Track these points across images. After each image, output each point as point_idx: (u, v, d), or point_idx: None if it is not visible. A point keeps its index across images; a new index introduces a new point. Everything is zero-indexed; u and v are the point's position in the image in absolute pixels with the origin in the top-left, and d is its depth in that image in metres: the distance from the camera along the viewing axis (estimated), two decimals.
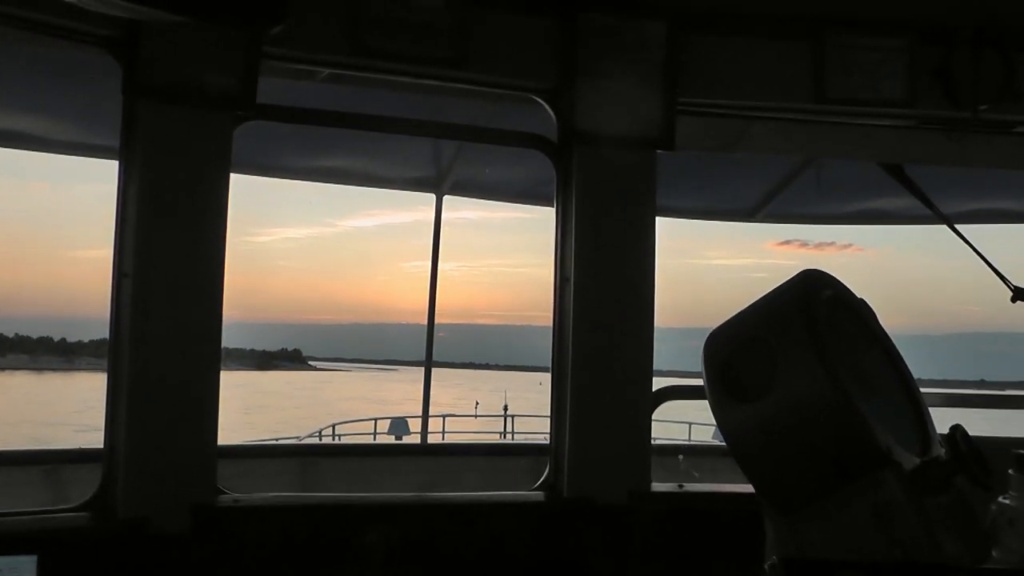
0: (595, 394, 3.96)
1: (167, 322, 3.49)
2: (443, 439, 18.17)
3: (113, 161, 3.62)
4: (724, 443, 2.78)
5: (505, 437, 21.38)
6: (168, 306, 3.49)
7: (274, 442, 13.15)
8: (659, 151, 4.04)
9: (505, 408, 26.03)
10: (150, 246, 3.48)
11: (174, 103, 3.50)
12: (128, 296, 3.46)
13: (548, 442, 4.06)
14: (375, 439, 18.96)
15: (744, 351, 2.75)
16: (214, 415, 3.55)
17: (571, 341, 3.96)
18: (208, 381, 3.54)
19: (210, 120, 3.55)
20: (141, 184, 3.48)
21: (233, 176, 3.60)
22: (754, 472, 2.68)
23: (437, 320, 7.19)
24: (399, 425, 19.73)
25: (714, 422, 2.86)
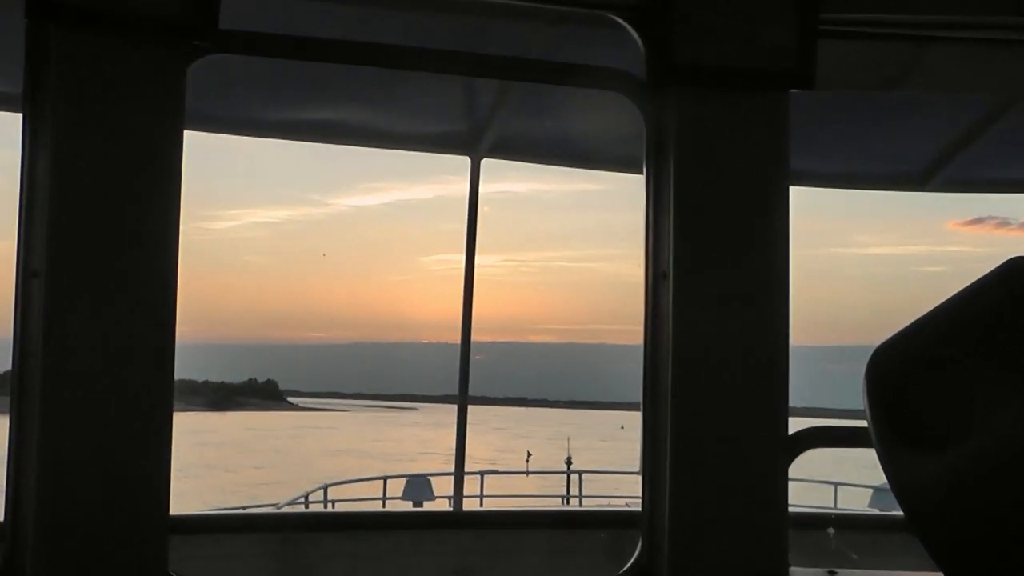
0: (706, 439, 3.96)
1: (96, 341, 3.52)
2: (481, 505, 18.20)
3: (13, 114, 3.66)
4: (890, 511, 2.74)
5: (569, 502, 21.41)
6: (97, 317, 3.52)
7: (246, 511, 13.25)
8: (793, 91, 4.03)
9: (568, 462, 26.04)
10: (70, 233, 3.51)
11: (101, 30, 3.52)
12: (39, 304, 3.49)
13: (639, 509, 4.07)
14: (384, 506, 19.04)
15: (926, 377, 2.70)
16: (164, 473, 3.57)
17: (671, 364, 3.95)
18: (156, 424, 3.56)
19: (154, 54, 3.57)
20: (56, 146, 3.51)
21: (186, 134, 3.63)
22: (942, 551, 2.62)
23: (473, 337, 7.19)
24: (418, 486, 19.78)
25: (873, 483, 2.83)
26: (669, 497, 3.94)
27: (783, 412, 4.00)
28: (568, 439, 36.44)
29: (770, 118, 4.02)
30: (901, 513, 2.77)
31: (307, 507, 17.22)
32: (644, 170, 4.09)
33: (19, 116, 3.61)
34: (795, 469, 4.32)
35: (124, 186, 3.56)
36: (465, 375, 7.06)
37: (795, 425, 4.17)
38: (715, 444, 3.96)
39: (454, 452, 7.40)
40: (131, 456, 3.54)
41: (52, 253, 3.49)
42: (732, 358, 3.98)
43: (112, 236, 3.55)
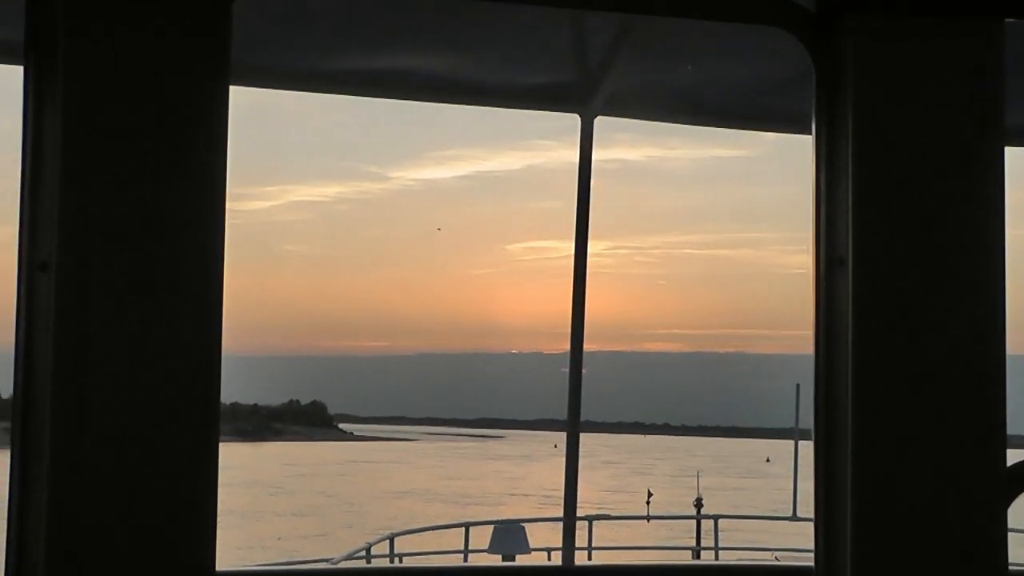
0: (898, 475, 3.93)
1: (118, 350, 3.53)
2: (590, 559, 18.25)
3: (14, 67, 3.69)
4: None
5: (700, 556, 21.43)
6: (119, 320, 3.53)
7: (298, 566, 13.41)
8: (1009, 21, 3.98)
9: (698, 504, 26.10)
10: (85, 215, 3.53)
11: None
12: (48, 304, 3.51)
13: (800, 563, 4.04)
14: (467, 560, 19.18)
15: None
16: (208, 516, 3.57)
17: (850, 379, 3.93)
18: (197, 456, 3.56)
19: None
20: (67, 107, 3.53)
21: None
22: None
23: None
24: (509, 536, 19.92)
25: None
26: (851, 549, 3.91)
27: (999, 439, 3.95)
28: (697, 475, 36.53)
29: (978, 56, 3.98)
30: None
31: (369, 562, 17.40)
32: (813, 128, 4.07)
33: (20, 69, 3.63)
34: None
35: (153, 156, 3.56)
36: (576, 394, 7.05)
37: (1013, 455, 4.13)
38: (911, 481, 3.93)
39: (560, 491, 7.38)
40: (166, 496, 3.55)
41: (63, 241, 3.51)
42: (932, 370, 3.94)
43: (138, 219, 3.55)
